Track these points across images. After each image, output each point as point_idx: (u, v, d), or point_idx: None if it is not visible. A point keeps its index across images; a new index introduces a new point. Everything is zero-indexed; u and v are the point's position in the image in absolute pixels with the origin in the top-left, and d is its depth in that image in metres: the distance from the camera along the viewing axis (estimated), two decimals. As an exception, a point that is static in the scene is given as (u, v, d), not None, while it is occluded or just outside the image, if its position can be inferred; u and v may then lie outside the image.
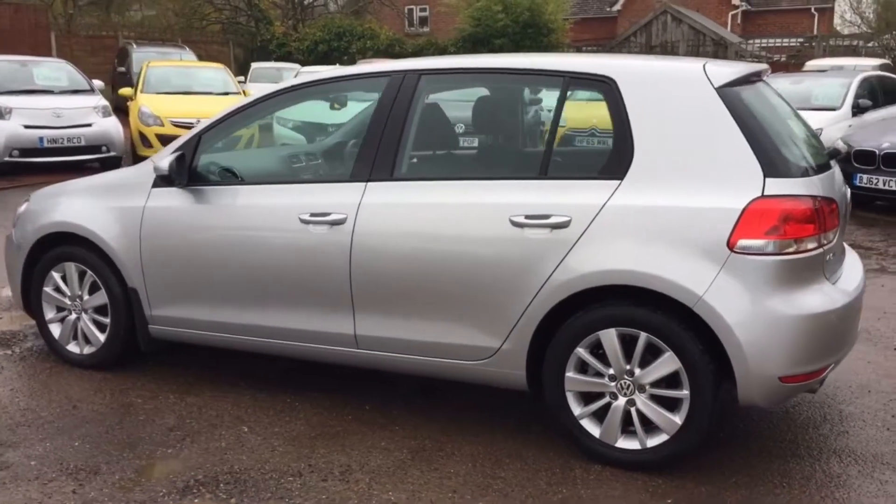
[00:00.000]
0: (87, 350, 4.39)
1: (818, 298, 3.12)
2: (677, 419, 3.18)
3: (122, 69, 21.06)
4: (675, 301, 3.10)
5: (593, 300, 3.26)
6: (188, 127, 12.43)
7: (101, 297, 4.27)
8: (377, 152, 3.65)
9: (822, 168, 3.34)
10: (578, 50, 24.84)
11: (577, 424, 3.36)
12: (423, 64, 3.76)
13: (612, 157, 3.31)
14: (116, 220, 4.15)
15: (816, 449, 3.51)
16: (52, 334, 4.48)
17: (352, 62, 24.53)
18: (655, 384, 3.21)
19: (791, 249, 3.04)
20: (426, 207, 3.52)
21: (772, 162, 3.09)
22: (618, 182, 3.23)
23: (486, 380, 3.55)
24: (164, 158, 3.95)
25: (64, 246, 4.33)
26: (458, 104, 4.64)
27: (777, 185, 3.06)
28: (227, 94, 13.85)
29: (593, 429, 3.35)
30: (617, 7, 32.15)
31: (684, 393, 3.16)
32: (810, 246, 3.08)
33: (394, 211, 3.56)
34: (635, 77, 3.32)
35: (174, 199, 4.02)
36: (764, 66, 3.64)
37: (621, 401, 3.27)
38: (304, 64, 23.28)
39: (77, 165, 11.42)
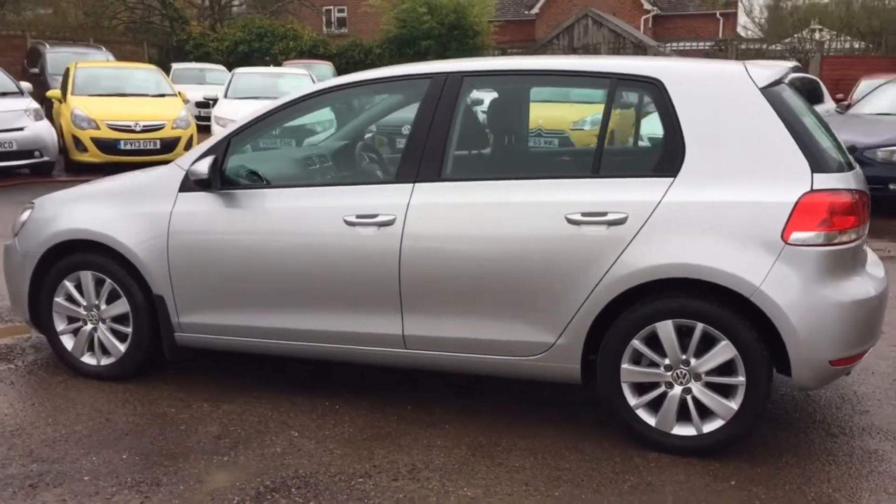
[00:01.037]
0: (105, 361, 4.24)
1: (861, 286, 3.33)
2: (733, 405, 3.34)
3: (36, 70, 20.09)
4: (731, 291, 3.26)
5: (648, 293, 3.38)
6: (127, 130, 12.09)
7: (122, 306, 4.14)
8: (423, 153, 3.68)
9: (850, 164, 3.56)
10: (503, 52, 25.20)
11: (633, 414, 3.48)
12: (465, 66, 3.81)
13: (663, 155, 3.44)
14: (140, 225, 4.03)
15: (847, 428, 3.74)
16: (63, 346, 4.31)
17: (275, 63, 24.18)
18: (711, 372, 3.36)
19: (837, 240, 3.25)
20: (478, 207, 3.57)
21: (816, 158, 3.29)
22: (671, 179, 3.36)
23: (539, 375, 3.64)
24: (198, 162, 3.86)
25: (78, 254, 4.18)
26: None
27: (823, 180, 3.26)
28: (162, 95, 13.46)
29: (649, 418, 3.47)
30: (535, 10, 32.76)
31: (740, 379, 3.32)
32: (852, 237, 3.29)
33: (444, 211, 3.60)
34: (682, 78, 3.46)
35: (205, 203, 3.95)
36: (792, 64, 3.84)
37: (677, 389, 3.41)
38: (226, 65, 22.79)
39: (6, 171, 10.91)
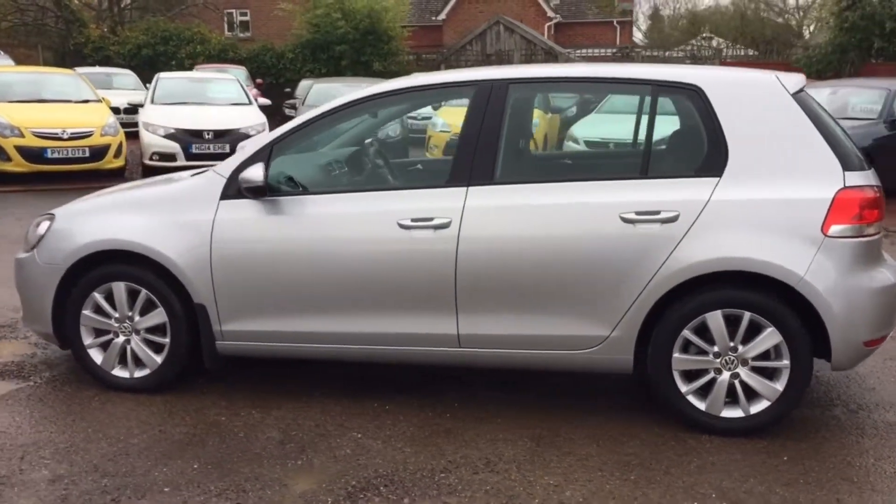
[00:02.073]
0: (140, 373, 4.17)
1: (885, 274, 3.68)
2: (778, 386, 3.63)
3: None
4: (775, 281, 3.54)
5: (696, 286, 3.62)
6: (54, 138, 11.58)
7: (158, 317, 4.08)
8: (475, 157, 3.81)
9: (867, 163, 3.91)
10: (418, 58, 25.38)
11: (684, 400, 3.72)
12: (510, 73, 3.96)
13: (707, 156, 3.70)
14: (180, 235, 3.99)
15: (862, 403, 4.10)
16: (92, 360, 4.20)
17: (181, 67, 23.57)
18: (758, 357, 3.63)
19: (866, 232, 3.59)
20: (532, 209, 3.73)
21: (845, 157, 3.62)
22: (717, 179, 3.62)
23: (592, 367, 3.83)
24: (249, 170, 3.86)
25: (110, 264, 4.09)
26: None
27: (853, 177, 3.59)
28: (86, 101, 12.96)
29: (699, 403, 3.72)
30: (442, 16, 33.12)
31: (784, 363, 3.61)
32: (877, 229, 3.64)
33: (500, 213, 3.74)
34: (720, 85, 3.73)
35: (249, 210, 3.95)
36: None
37: (725, 375, 3.67)
38: (128, 69, 22.01)
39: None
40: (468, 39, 24.76)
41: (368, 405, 4.07)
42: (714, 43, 25.03)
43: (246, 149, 4.10)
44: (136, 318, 4.12)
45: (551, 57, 23.71)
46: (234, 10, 35.87)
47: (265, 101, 15.05)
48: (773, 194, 3.58)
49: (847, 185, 3.57)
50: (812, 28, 40.08)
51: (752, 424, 3.69)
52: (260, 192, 3.88)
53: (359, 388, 4.27)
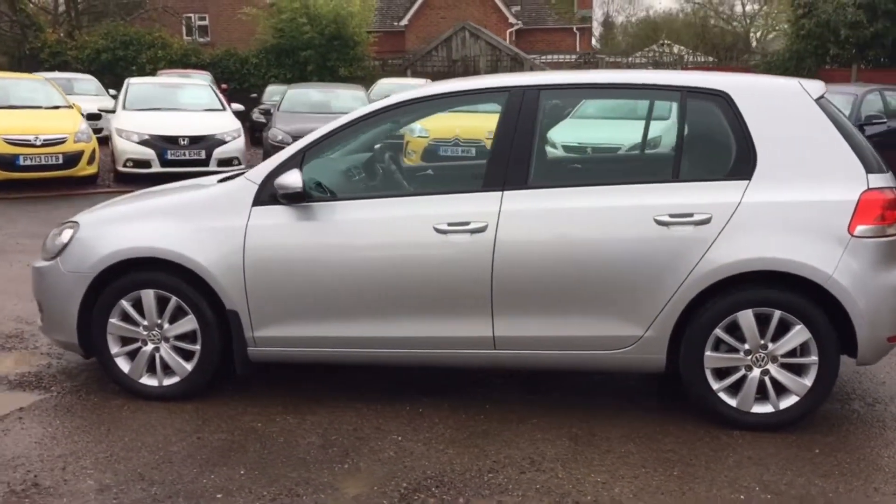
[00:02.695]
0: (169, 381, 4.14)
1: (903, 270, 3.84)
2: (807, 381, 3.75)
3: None
4: (805, 280, 3.67)
5: (730, 285, 3.73)
6: (26, 145, 11.34)
7: (189, 324, 4.06)
8: (509, 162, 3.87)
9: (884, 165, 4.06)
10: (384, 63, 25.40)
11: (716, 397, 3.83)
12: (540, 79, 4.04)
13: (736, 160, 3.81)
14: (211, 241, 3.98)
15: (878, 398, 4.27)
16: (119, 369, 4.16)
17: (143, 73, 23.24)
18: (787, 354, 3.76)
19: (888, 232, 3.73)
20: (567, 212, 3.81)
21: (866, 160, 3.77)
22: (746, 182, 3.74)
23: (626, 366, 3.92)
24: (285, 176, 3.86)
25: (138, 272, 4.06)
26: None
27: (875, 180, 3.74)
28: (57, 107, 12.72)
29: (730, 400, 3.83)
30: (404, 22, 33.18)
31: (813, 359, 3.73)
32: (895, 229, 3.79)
33: (536, 217, 3.81)
34: (747, 91, 3.85)
35: (282, 216, 3.95)
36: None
37: (756, 372, 3.79)
38: (90, 73, 21.64)
39: None
40: (434, 45, 24.85)
41: (401, 408, 4.10)
42: (675, 49, 25.51)
43: (276, 155, 4.10)
44: (166, 325, 4.09)
45: (517, 63, 23.94)
46: (192, 15, 35.43)
47: (238, 106, 14.90)
48: (800, 196, 3.71)
49: (870, 186, 3.71)
50: (759, 35, 41.09)
51: (782, 419, 3.81)
52: (297, 199, 3.89)
53: (387, 392, 4.30)
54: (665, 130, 4.91)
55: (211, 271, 3.96)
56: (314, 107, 14.03)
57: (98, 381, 4.39)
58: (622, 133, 8.80)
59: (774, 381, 3.79)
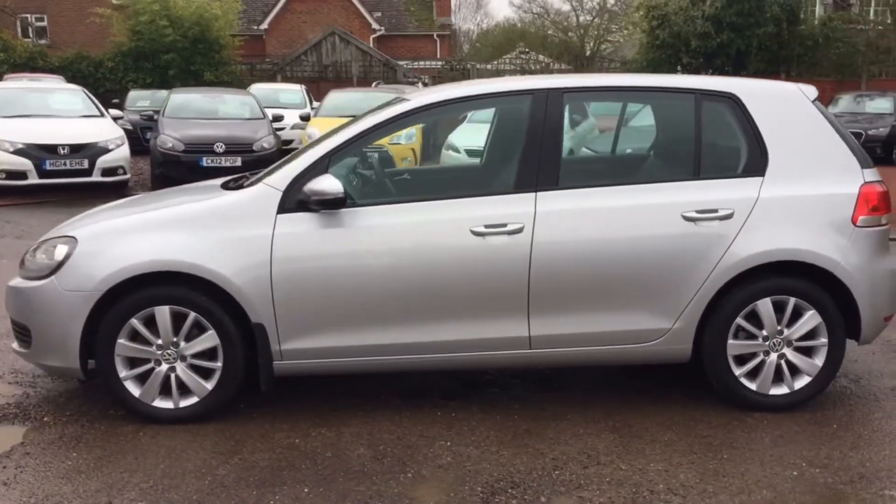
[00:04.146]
0: (186, 402, 3.89)
1: (894, 258, 4.21)
2: (818, 362, 4.05)
3: None
4: (815, 268, 3.96)
5: (749, 276, 3.96)
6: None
7: (209, 340, 3.83)
8: (539, 164, 3.93)
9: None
10: (252, 68, 24.67)
11: (739, 382, 4.05)
12: (563, 82, 4.11)
13: (749, 158, 4.05)
14: (234, 252, 3.78)
15: (860, 374, 4.64)
16: (129, 393, 3.86)
17: (-18, 77, 21.40)
18: (801, 338, 4.03)
19: (882, 222, 4.10)
20: (599, 211, 3.91)
21: (860, 157, 4.12)
22: (760, 178, 3.99)
23: (655, 358, 4.06)
24: (318, 182, 3.73)
25: (150, 287, 3.79)
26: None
27: (868, 174, 4.09)
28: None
29: (750, 384, 4.06)
30: (264, 25, 32.41)
31: (823, 341, 4.03)
32: (886, 220, 4.16)
33: (570, 217, 3.89)
34: (754, 93, 4.11)
35: (310, 223, 3.82)
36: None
37: (773, 356, 4.04)
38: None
39: None
40: (303, 50, 24.43)
41: (431, 414, 4.05)
42: (539, 57, 26.43)
43: (298, 161, 3.94)
44: (182, 343, 3.84)
45: (389, 69, 23.97)
46: (29, 15, 33.01)
47: (117, 112, 14.04)
48: (809, 191, 4.00)
49: (866, 180, 4.06)
50: (592, 45, 43.23)
51: (797, 399, 4.08)
52: (335, 205, 3.76)
53: (409, 398, 4.24)
54: (639, 132, 5.12)
55: (236, 283, 3.76)
56: (202, 112, 13.44)
57: (93, 408, 4.06)
58: None
59: (790, 364, 4.05)
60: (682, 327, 3.97)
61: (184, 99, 13.87)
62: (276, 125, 13.99)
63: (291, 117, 15.91)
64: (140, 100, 19.36)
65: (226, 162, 12.08)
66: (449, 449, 3.68)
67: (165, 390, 3.90)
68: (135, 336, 3.83)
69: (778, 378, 4.07)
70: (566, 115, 4.04)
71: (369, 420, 3.98)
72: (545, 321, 3.92)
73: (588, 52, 39.42)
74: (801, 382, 4.08)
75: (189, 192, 4.43)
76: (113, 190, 11.74)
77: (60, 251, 3.87)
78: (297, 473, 3.44)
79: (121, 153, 12.15)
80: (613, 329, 3.96)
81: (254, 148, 12.28)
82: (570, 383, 4.49)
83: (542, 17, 45.90)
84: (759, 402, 4.07)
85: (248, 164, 12.07)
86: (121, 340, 3.81)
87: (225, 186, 4.23)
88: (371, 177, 4.44)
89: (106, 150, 11.94)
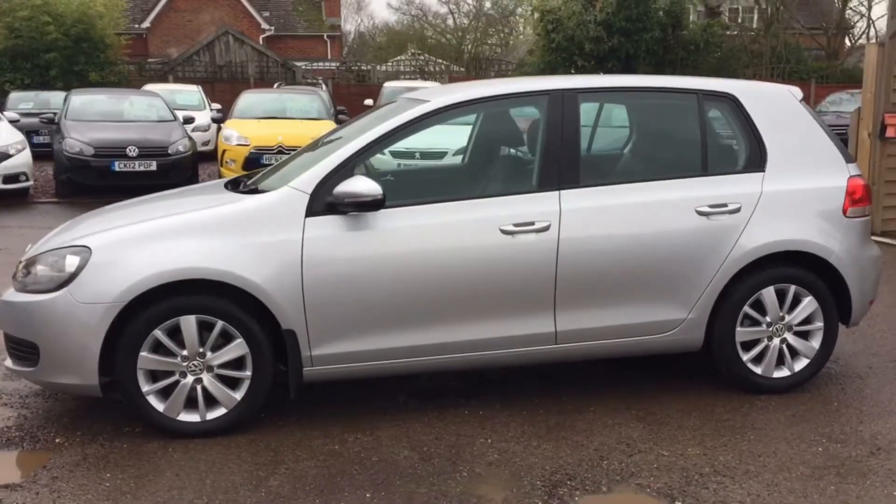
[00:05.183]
0: (213, 415, 3.74)
1: (875, 246, 4.56)
2: (815, 344, 4.33)
3: None
4: (813, 257, 4.23)
5: (754, 267, 4.19)
6: None
7: (238, 349, 3.70)
8: (560, 163, 4.02)
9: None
10: (140, 68, 23.62)
11: (746, 368, 4.27)
12: (577, 83, 4.21)
13: (750, 154, 4.28)
14: (264, 257, 3.67)
15: (837, 355, 4.94)
16: (153, 408, 3.68)
17: None
18: (800, 323, 4.30)
19: (865, 213, 4.42)
20: (619, 208, 4.04)
21: (844, 152, 4.43)
22: (761, 174, 4.23)
23: (671, 348, 4.23)
24: (350, 184, 3.67)
25: (175, 296, 3.63)
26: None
27: (853, 168, 4.42)
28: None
29: (755, 368, 4.29)
30: (146, 24, 31.13)
31: (819, 325, 4.31)
32: (868, 211, 4.49)
33: (593, 214, 4.00)
34: (750, 93, 4.35)
35: (339, 226, 3.76)
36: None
37: (776, 341, 4.29)
38: None
39: None
40: (196, 49, 23.63)
41: (458, 413, 4.07)
42: (438, 60, 26.60)
43: (322, 163, 3.86)
44: (208, 354, 3.70)
45: (287, 70, 23.54)
46: None
47: (12, 115, 13.17)
48: (804, 184, 4.27)
49: (851, 174, 4.37)
50: (469, 48, 43.95)
51: (797, 381, 4.35)
52: (375, 206, 3.71)
53: (425, 399, 4.24)
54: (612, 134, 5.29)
55: (266, 290, 3.65)
56: (107, 115, 12.79)
57: (104, 426, 3.84)
58: (447, 139, 9.24)
59: (790, 348, 4.31)
60: (695, 317, 4.15)
61: (86, 100, 13.15)
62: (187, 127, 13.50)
63: (203, 119, 15.41)
64: (22, 101, 18.18)
65: (140, 166, 11.55)
66: (491, 446, 3.71)
67: (189, 403, 3.74)
68: (157, 348, 3.65)
69: (779, 361, 4.32)
70: (582, 114, 4.14)
71: (400, 423, 3.95)
72: (571, 316, 4.01)
73: (466, 55, 40.00)
74: (801, 364, 4.34)
75: (194, 194, 4.26)
76: (14, 197, 11.06)
77: (71, 262, 3.64)
78: (351, 480, 3.38)
79: (22, 158, 11.45)
80: (633, 321, 4.09)
81: (169, 151, 11.80)
82: (576, 377, 4.59)
83: (419, 20, 46.29)
84: (763, 385, 4.31)
85: (164, 168, 11.65)
86: (143, 353, 3.63)
87: (227, 184, 4.09)
88: (391, 178, 4.40)
89: (7, 156, 11.21)
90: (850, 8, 30.21)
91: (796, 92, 4.50)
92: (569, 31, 23.26)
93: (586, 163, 4.22)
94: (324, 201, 3.76)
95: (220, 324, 3.67)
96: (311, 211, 3.75)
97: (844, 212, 4.29)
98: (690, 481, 3.40)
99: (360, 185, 3.68)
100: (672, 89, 4.40)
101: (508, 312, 3.94)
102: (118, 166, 11.48)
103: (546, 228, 3.91)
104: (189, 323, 3.64)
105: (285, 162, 4.71)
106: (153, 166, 11.59)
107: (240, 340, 3.70)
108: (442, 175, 4.66)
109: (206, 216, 3.82)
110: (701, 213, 4.09)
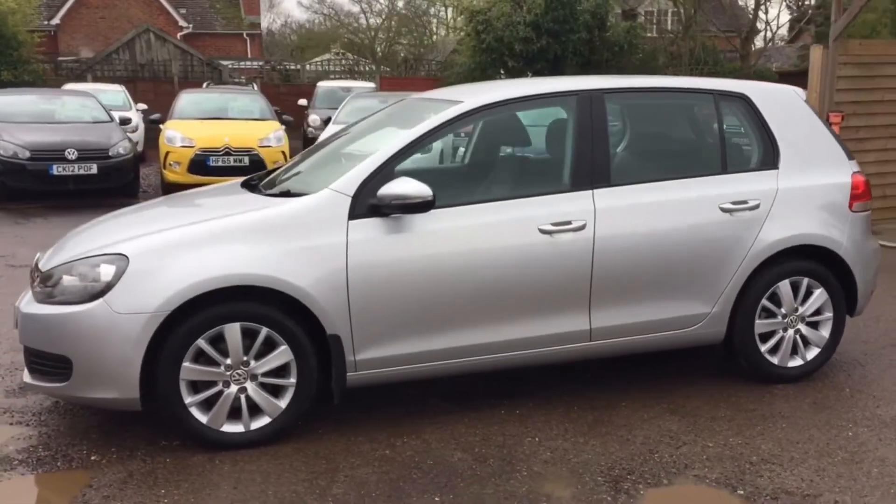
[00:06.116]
0: (258, 424, 3.64)
1: (875, 239, 4.79)
2: (825, 334, 4.52)
3: None
4: (824, 250, 4.42)
5: (771, 261, 4.35)
6: None
7: (282, 356, 3.61)
8: (592, 162, 4.07)
9: None
10: (56, 66, 22.56)
11: (763, 358, 4.42)
12: (604, 83, 4.27)
13: (764, 152, 4.43)
14: (308, 261, 3.59)
15: (845, 342, 5.13)
16: (196, 420, 3.55)
17: None
18: (812, 314, 4.48)
19: (868, 207, 4.65)
20: (650, 206, 4.12)
21: (846, 149, 4.64)
22: (776, 171, 4.39)
23: (697, 341, 4.34)
24: (402, 185, 3.62)
25: (220, 304, 3.51)
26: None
27: (854, 165, 4.63)
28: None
29: (772, 359, 4.45)
30: (56, 21, 29.80)
31: (828, 316, 4.51)
32: (868, 206, 4.71)
33: (626, 212, 4.07)
34: (761, 94, 4.51)
35: (381, 228, 3.71)
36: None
37: (790, 332, 4.46)
38: None
39: None
40: (115, 48, 22.72)
41: (494, 413, 4.07)
42: (357, 60, 26.36)
43: (361, 166, 3.79)
44: (252, 362, 3.59)
45: (213, 69, 22.93)
46: None
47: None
48: (814, 181, 4.46)
49: (854, 170, 4.58)
50: (382, 48, 43.78)
51: (809, 369, 4.53)
52: (425, 207, 3.66)
53: (459, 402, 4.21)
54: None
55: (312, 295, 3.57)
56: (38, 116, 12.19)
57: (138, 440, 3.69)
58: (375, 143, 9.32)
59: (803, 338, 4.49)
60: (719, 311, 4.28)
61: (13, 101, 12.49)
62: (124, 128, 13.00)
63: (133, 119, 14.85)
64: (-67, 103, 17.14)
65: (80, 169, 11.06)
66: (540, 444, 3.73)
67: (232, 413, 3.62)
68: (199, 357, 3.52)
69: (793, 351, 4.49)
70: (608, 115, 4.21)
71: (441, 425, 3.92)
72: (605, 313, 4.07)
73: (379, 54, 39.80)
74: (812, 354, 4.53)
75: (217, 196, 4.11)
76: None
77: (107, 271, 3.47)
78: (414, 484, 3.35)
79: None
80: (663, 316, 4.19)
81: (110, 154, 11.34)
82: (597, 374, 4.65)
83: (331, 19, 45.76)
84: (780, 375, 4.47)
85: (105, 171, 11.20)
86: (186, 363, 3.49)
87: (244, 184, 3.99)
88: (446, 179, 4.36)
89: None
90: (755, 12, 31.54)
91: (801, 92, 4.69)
92: (498, 31, 23.46)
93: (616, 162, 4.29)
94: (366, 203, 3.70)
95: (264, 331, 3.56)
96: (354, 213, 3.69)
97: (850, 207, 4.50)
98: (744, 470, 3.50)
99: (409, 186, 3.64)
100: (691, 90, 4.51)
101: (546, 311, 3.97)
102: (56, 170, 10.95)
103: (582, 227, 3.96)
104: (234, 331, 3.53)
105: (297, 162, 4.63)
106: (93, 169, 11.12)
107: (284, 347, 3.60)
108: (475, 175, 4.64)
109: (245, 221, 3.70)
110: (724, 210, 4.21)
